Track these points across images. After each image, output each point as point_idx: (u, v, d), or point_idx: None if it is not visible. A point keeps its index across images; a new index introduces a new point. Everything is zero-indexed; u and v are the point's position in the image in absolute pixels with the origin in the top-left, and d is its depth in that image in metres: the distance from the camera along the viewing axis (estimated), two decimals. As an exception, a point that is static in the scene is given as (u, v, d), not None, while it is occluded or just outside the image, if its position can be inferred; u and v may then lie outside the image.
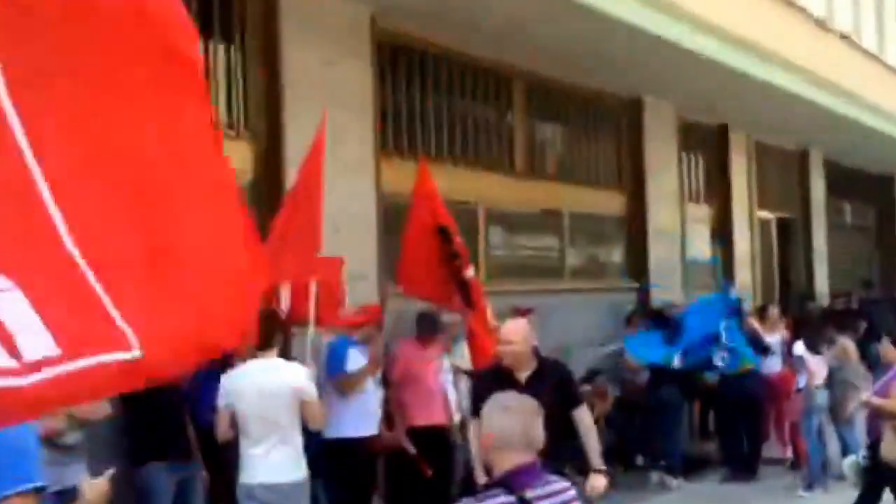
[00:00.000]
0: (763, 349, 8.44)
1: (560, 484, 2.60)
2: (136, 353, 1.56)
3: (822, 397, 7.82)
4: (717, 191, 11.76)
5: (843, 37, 12.46)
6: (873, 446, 5.85)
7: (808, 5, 11.43)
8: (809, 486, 7.75)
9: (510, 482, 2.46)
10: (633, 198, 9.97)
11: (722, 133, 11.71)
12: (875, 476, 5.79)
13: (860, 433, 7.17)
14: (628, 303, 9.57)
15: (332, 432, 5.16)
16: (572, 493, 2.62)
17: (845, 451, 7.96)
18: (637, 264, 9.95)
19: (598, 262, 9.89)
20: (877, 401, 5.65)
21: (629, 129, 9.96)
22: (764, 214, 12.91)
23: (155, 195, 1.63)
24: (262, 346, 4.42)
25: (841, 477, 7.57)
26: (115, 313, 1.56)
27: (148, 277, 1.61)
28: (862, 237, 17.76)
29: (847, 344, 8.24)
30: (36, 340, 1.48)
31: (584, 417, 4.45)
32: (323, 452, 4.99)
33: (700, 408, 9.61)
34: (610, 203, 9.85)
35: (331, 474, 5.20)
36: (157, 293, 1.61)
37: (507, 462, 2.48)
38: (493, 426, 2.56)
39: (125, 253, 1.61)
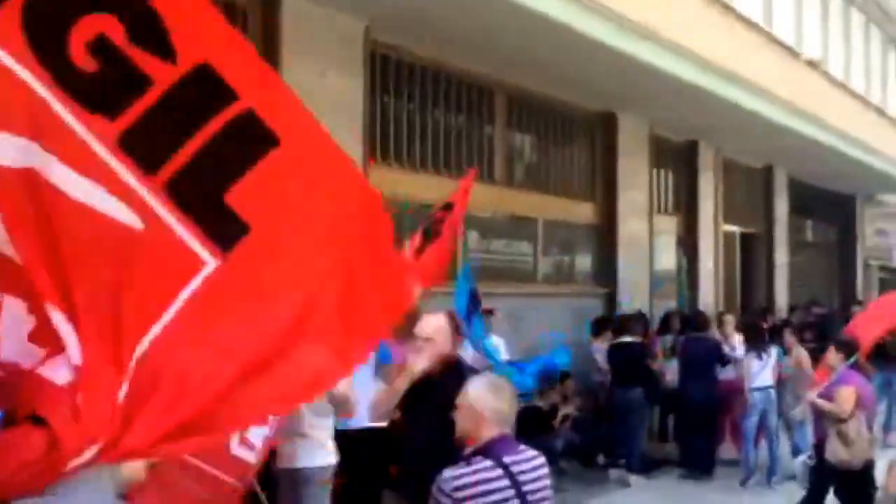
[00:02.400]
0: (722, 360, 8.87)
1: (532, 452, 3.03)
2: None
3: (759, 398, 8.35)
4: (685, 204, 12.24)
5: (811, 63, 13.03)
6: (818, 447, 6.24)
7: (778, 32, 11.97)
8: (744, 482, 8.33)
9: (489, 450, 2.89)
10: (605, 208, 10.40)
11: (691, 149, 12.19)
12: (819, 476, 6.13)
13: (810, 435, 7.63)
14: (596, 308, 10.01)
15: (355, 422, 5.10)
16: (542, 459, 3.04)
17: (796, 451, 8.51)
18: (606, 272, 10.39)
19: (569, 268, 10.31)
20: (820, 402, 6.02)
21: (603, 143, 10.39)
22: (729, 228, 13.39)
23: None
24: None
25: (791, 476, 8.12)
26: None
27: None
28: (823, 254, 18.36)
29: (800, 352, 8.76)
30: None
31: None
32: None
33: (661, 411, 10.07)
34: (582, 213, 10.28)
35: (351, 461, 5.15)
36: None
37: (486, 434, 2.92)
38: (479, 404, 2.97)
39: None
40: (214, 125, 1.76)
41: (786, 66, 11.83)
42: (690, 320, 9.48)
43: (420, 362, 3.84)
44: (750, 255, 14.38)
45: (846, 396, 5.71)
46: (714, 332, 9.31)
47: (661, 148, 11.41)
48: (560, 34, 7.38)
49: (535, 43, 7.62)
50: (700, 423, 8.77)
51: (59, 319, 1.71)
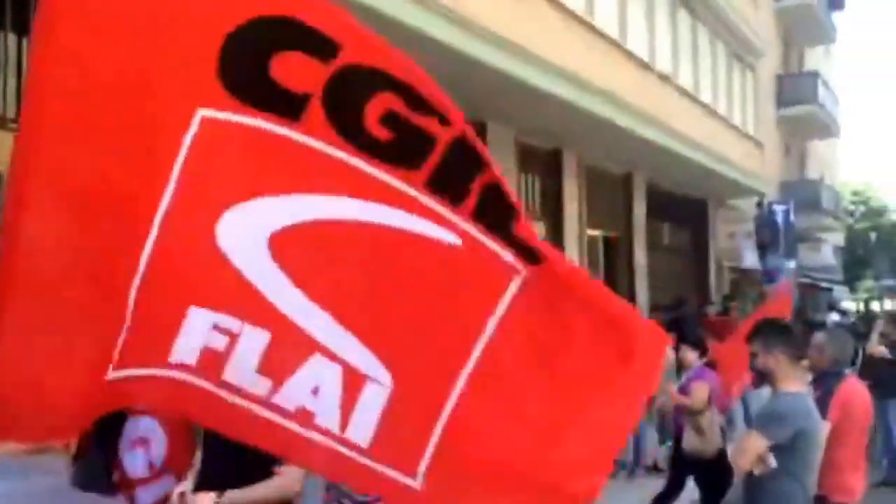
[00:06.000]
0: None
1: None
2: (415, 482, 1.97)
3: None
4: (552, 210, 12.67)
5: (662, 76, 13.78)
6: (677, 438, 6.60)
7: (632, 47, 12.61)
8: (612, 475, 8.67)
9: None
10: (475, 215, 10.61)
11: (556, 156, 12.64)
12: (678, 464, 6.47)
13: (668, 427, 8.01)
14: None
15: None
16: None
17: (660, 441, 8.93)
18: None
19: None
20: (678, 397, 6.39)
21: (472, 151, 10.61)
22: (593, 233, 13.95)
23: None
24: None
25: (653, 466, 8.53)
26: (432, 442, 1.95)
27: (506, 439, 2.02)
28: (678, 256, 19.34)
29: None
30: (367, 429, 1.94)
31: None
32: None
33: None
34: (453, 219, 10.44)
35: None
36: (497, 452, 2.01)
37: None
38: None
39: (502, 404, 2.02)
40: (490, 175, 2.02)
41: (640, 78, 12.48)
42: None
43: None
44: (612, 258, 15.00)
45: (700, 391, 6.09)
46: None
47: (527, 155, 11.76)
48: (423, 46, 7.51)
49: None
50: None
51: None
